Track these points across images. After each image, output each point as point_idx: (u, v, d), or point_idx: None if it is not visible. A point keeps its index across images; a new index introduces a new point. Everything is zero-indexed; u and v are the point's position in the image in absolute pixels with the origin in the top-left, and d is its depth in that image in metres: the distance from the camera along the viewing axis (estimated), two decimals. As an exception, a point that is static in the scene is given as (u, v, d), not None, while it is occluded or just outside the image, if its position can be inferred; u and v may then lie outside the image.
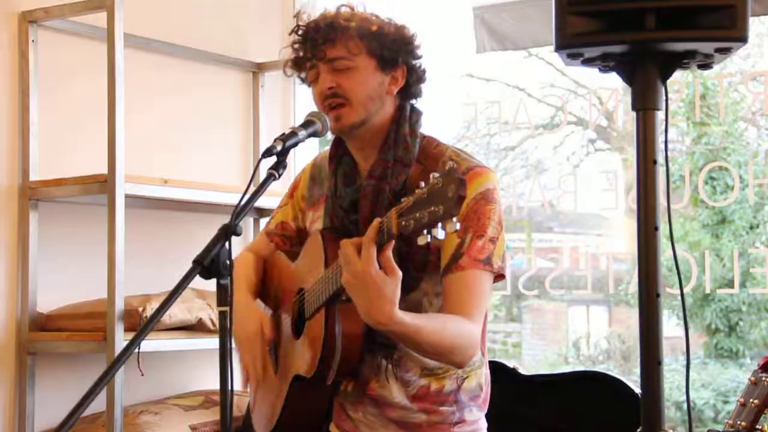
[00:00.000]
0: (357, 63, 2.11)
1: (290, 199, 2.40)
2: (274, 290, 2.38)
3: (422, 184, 1.70)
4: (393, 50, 2.13)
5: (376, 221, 1.82)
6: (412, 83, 2.18)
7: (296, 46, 2.17)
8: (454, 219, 1.64)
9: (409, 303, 2.08)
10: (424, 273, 2.11)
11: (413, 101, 2.20)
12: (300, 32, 2.16)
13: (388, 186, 2.10)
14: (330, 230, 2.18)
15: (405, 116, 2.17)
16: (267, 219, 2.67)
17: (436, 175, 1.68)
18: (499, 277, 2.11)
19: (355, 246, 1.85)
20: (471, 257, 2.05)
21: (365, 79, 2.11)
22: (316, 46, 2.11)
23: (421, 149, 2.16)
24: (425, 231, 1.67)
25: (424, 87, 2.21)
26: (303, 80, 2.21)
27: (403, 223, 1.71)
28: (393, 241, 1.82)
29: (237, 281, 2.29)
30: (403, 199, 1.74)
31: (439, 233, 1.66)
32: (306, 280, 2.17)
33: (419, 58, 2.18)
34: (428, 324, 1.96)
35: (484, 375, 2.22)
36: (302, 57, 2.16)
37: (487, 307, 2.19)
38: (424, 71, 2.20)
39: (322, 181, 2.31)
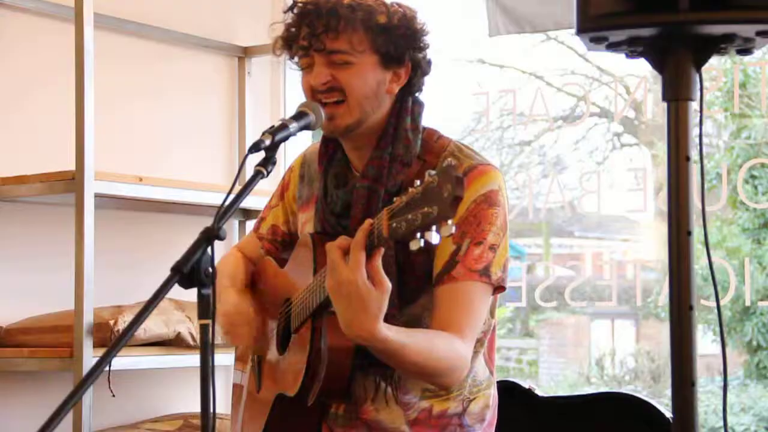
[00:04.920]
0: (358, 59, 2.09)
1: (281, 200, 2.40)
2: (261, 299, 2.38)
3: (417, 182, 1.71)
4: (400, 46, 2.11)
5: (367, 223, 1.83)
6: (415, 79, 2.17)
7: (292, 29, 2.15)
8: (450, 222, 1.64)
9: (407, 318, 2.09)
10: (426, 285, 2.11)
11: (415, 94, 2.20)
12: (296, 11, 2.14)
13: (383, 187, 2.10)
14: (321, 234, 2.18)
15: (406, 109, 2.16)
16: (253, 222, 2.68)
17: (432, 172, 1.69)
18: (499, 289, 2.12)
19: (341, 250, 1.86)
20: (466, 267, 2.06)
21: (365, 75, 2.10)
22: (316, 35, 2.09)
23: (422, 144, 2.16)
24: (418, 234, 1.68)
25: (427, 79, 2.21)
26: (296, 63, 2.20)
27: (394, 225, 1.72)
28: (382, 249, 1.83)
29: (222, 279, 2.30)
30: (395, 199, 1.75)
31: (434, 237, 1.66)
32: (294, 288, 2.18)
33: (426, 49, 2.17)
34: (414, 342, 1.96)
35: (492, 396, 2.23)
36: (297, 42, 2.14)
37: (493, 321, 2.20)
38: (429, 63, 2.19)
39: (312, 179, 2.32)
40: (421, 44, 2.16)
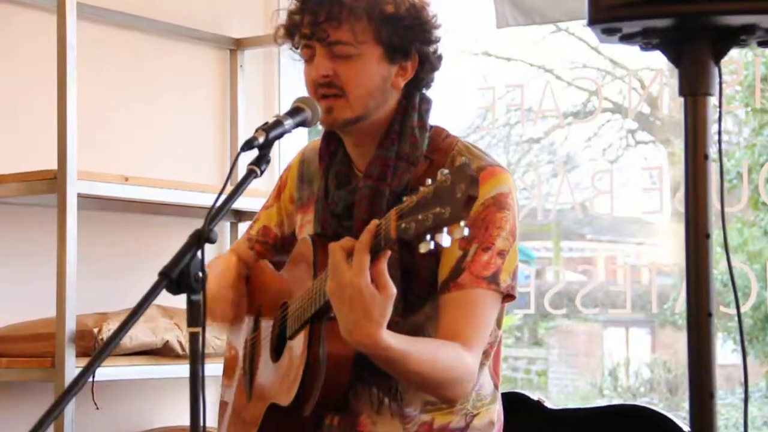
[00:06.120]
0: (361, 51, 2.10)
1: (276, 200, 2.41)
2: (256, 304, 2.38)
3: (428, 181, 1.71)
4: (406, 38, 2.12)
5: (373, 223, 1.83)
6: (423, 73, 2.18)
7: (294, 16, 2.15)
8: (462, 224, 1.64)
9: (410, 326, 2.09)
10: (431, 291, 2.11)
11: (423, 90, 2.20)
12: None
13: (388, 187, 2.10)
14: (322, 235, 2.18)
15: (413, 105, 2.16)
16: (246, 224, 2.68)
17: (445, 171, 1.69)
18: (508, 297, 2.12)
19: (345, 251, 1.86)
20: (473, 274, 2.06)
21: (368, 70, 2.11)
22: (317, 24, 2.09)
23: (429, 142, 2.16)
24: (428, 236, 1.68)
25: (437, 74, 2.20)
26: (298, 53, 2.21)
27: (403, 225, 1.72)
28: (389, 252, 1.83)
29: (212, 280, 2.31)
30: (405, 198, 1.75)
31: (444, 240, 1.66)
32: (292, 292, 2.18)
33: (436, 42, 2.17)
34: (418, 351, 1.96)
35: (496, 411, 2.23)
36: (300, 30, 2.14)
37: (499, 333, 2.20)
38: (439, 57, 2.19)
39: (312, 178, 2.32)
40: (430, 37, 2.16)
